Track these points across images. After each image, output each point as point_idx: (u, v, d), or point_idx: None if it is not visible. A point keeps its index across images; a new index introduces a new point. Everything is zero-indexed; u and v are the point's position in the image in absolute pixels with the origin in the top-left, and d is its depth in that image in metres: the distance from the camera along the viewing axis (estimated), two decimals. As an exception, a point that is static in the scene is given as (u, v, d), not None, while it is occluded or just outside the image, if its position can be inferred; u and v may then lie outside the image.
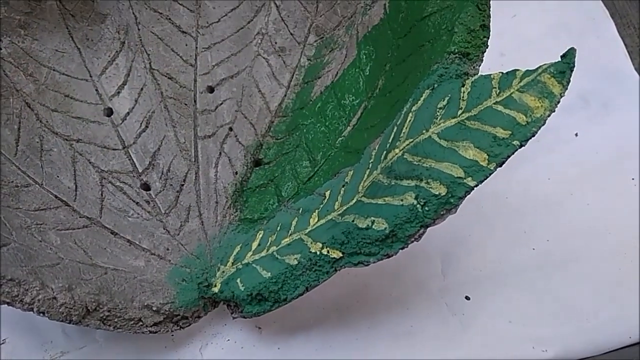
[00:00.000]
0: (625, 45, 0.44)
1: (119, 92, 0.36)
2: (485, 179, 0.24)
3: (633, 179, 0.39)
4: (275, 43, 0.38)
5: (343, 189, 0.31)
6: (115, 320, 0.28)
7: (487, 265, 0.35)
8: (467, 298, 0.34)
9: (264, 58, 0.38)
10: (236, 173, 0.35)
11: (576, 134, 0.40)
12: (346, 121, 0.34)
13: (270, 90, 0.37)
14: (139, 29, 0.37)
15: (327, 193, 0.32)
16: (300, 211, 0.32)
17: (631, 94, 0.42)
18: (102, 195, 0.33)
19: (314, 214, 0.31)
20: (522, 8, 0.45)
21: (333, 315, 0.34)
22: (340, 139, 0.34)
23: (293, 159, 0.35)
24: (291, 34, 0.38)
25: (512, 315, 0.33)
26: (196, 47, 0.38)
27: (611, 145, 0.40)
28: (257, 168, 0.35)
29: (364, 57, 0.34)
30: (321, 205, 0.31)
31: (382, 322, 0.33)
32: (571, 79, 0.44)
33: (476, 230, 0.36)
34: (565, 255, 0.36)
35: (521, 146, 0.24)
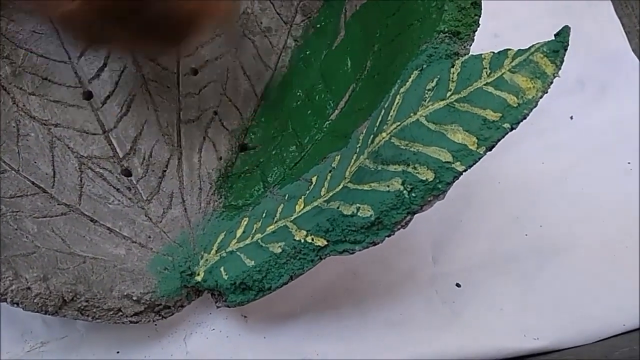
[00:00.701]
0: (623, 25, 0.43)
1: (98, 75, 0.35)
2: (475, 164, 0.23)
3: (629, 163, 0.38)
4: (261, 23, 0.37)
5: (330, 174, 0.30)
6: (94, 310, 0.27)
7: (479, 252, 0.34)
8: (458, 285, 0.33)
9: (249, 39, 0.36)
10: (221, 158, 0.34)
11: (571, 117, 0.39)
12: (334, 104, 0.33)
13: (256, 72, 0.36)
14: (119, 9, 0.36)
15: (314, 179, 0.31)
16: (286, 197, 0.31)
17: (629, 76, 0.41)
18: (81, 181, 0.32)
19: (300, 200, 0.30)
20: (517, -13, 0.44)
21: (321, 303, 0.33)
22: (327, 122, 0.33)
23: (279, 143, 0.34)
24: (277, 13, 0.37)
25: (504, 303, 0.33)
26: (179, 28, 0.36)
27: (607, 128, 0.39)
28: (242, 153, 0.34)
29: (352, 37, 0.33)
30: (307, 191, 0.30)
31: (371, 310, 0.33)
32: (566, 59, 0.43)
33: (467, 217, 0.36)
34: (559, 242, 0.35)
35: (512, 129, 0.23)
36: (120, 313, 0.28)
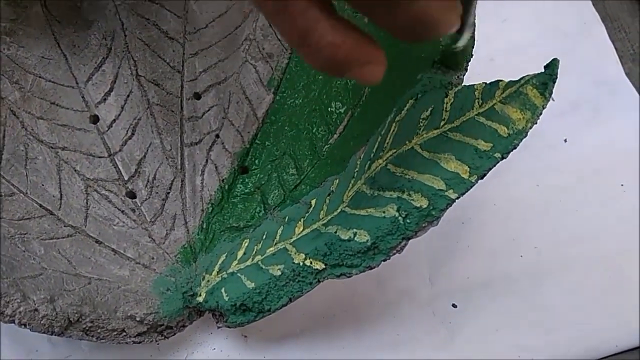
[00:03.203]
0: (617, 49, 0.44)
1: (105, 99, 0.36)
2: (467, 192, 0.24)
3: (622, 185, 0.38)
4: (263, 49, 0.38)
5: (328, 198, 0.31)
6: (99, 331, 0.28)
7: (475, 272, 0.35)
8: (454, 306, 0.34)
9: (251, 64, 0.37)
10: (223, 180, 0.35)
11: (565, 140, 0.40)
12: (333, 129, 0.34)
13: (257, 96, 0.37)
14: (125, 35, 0.37)
15: (313, 201, 0.32)
16: (286, 220, 0.32)
17: (622, 100, 0.42)
18: (87, 203, 0.33)
19: (300, 222, 0.30)
20: (512, 12, 0.44)
21: (320, 323, 0.34)
22: (326, 147, 0.34)
23: (279, 166, 0.35)
24: (279, 39, 0.38)
25: (500, 324, 0.33)
26: (183, 53, 0.37)
27: (601, 151, 0.39)
28: (243, 175, 0.35)
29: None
30: (307, 214, 0.31)
31: (368, 330, 0.33)
32: (560, 82, 0.44)
33: (464, 238, 0.36)
34: (554, 263, 0.36)
35: (503, 158, 0.24)
36: (124, 333, 0.28)
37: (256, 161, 0.35)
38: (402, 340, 0.33)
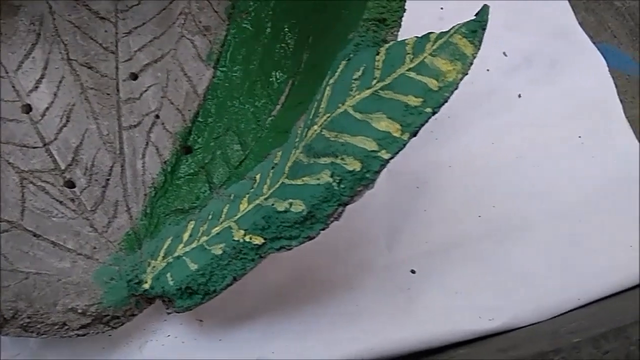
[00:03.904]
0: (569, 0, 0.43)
1: (37, 87, 0.34)
2: (400, 150, 0.23)
3: (580, 137, 0.38)
4: (200, 22, 0.36)
5: (272, 171, 0.29)
6: (38, 326, 0.27)
7: (433, 237, 0.34)
8: (413, 272, 0.33)
9: (188, 39, 0.36)
10: (165, 162, 0.33)
11: (519, 95, 0.39)
12: (275, 99, 0.33)
13: (197, 72, 0.35)
14: (54, 19, 0.35)
15: (258, 177, 0.30)
16: (231, 197, 0.31)
17: (576, 50, 0.41)
18: (23, 196, 0.31)
19: (244, 199, 0.29)
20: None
21: (277, 300, 0.33)
22: (270, 118, 0.33)
23: (223, 143, 0.33)
24: (215, 11, 0.36)
25: (459, 286, 0.33)
26: (116, 33, 0.36)
27: (556, 104, 0.39)
28: (187, 155, 0.34)
29: (288, 30, 0.33)
30: (251, 190, 0.30)
31: (326, 304, 0.32)
32: (513, 37, 0.43)
33: (420, 202, 0.35)
34: (512, 221, 0.35)
35: (434, 113, 0.22)
36: (66, 327, 0.27)
37: (199, 140, 0.34)
38: (361, 311, 0.32)
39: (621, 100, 0.39)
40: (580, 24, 0.42)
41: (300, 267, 0.33)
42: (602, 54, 0.40)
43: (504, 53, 0.40)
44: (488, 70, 0.39)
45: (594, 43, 0.41)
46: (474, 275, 0.33)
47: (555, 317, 0.31)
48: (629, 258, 0.33)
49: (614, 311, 0.29)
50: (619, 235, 0.34)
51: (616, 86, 0.39)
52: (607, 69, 0.40)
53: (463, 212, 0.35)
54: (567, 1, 0.42)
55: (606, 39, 0.43)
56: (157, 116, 0.34)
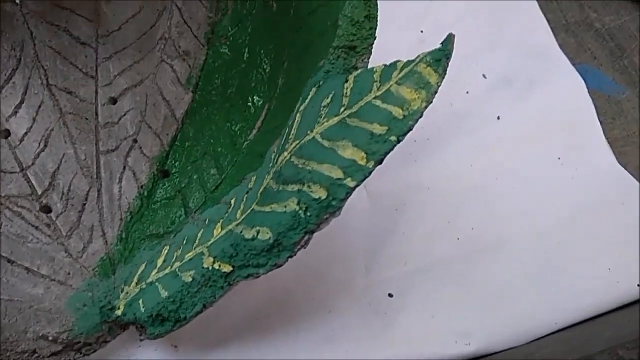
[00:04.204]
0: (549, 21, 0.43)
1: (16, 112, 0.34)
2: (365, 179, 0.23)
3: (559, 158, 0.38)
4: (179, 47, 0.36)
5: (246, 195, 0.29)
6: (7, 354, 0.27)
7: (411, 259, 0.34)
8: (390, 295, 0.33)
9: (167, 63, 0.36)
10: (141, 187, 0.33)
11: (498, 117, 0.39)
12: (252, 124, 0.33)
13: (175, 96, 0.36)
14: (35, 44, 0.36)
15: (232, 201, 0.30)
16: (206, 222, 0.31)
17: (555, 71, 0.41)
18: (-2, 222, 0.31)
19: (218, 224, 0.29)
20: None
21: (253, 325, 0.32)
22: (246, 142, 0.33)
23: (200, 167, 0.33)
24: (195, 36, 0.36)
25: (436, 309, 0.32)
26: (96, 58, 0.36)
27: (535, 125, 0.39)
28: (164, 179, 0.34)
29: (264, 55, 0.33)
30: (225, 215, 0.30)
31: (303, 328, 0.32)
32: (492, 58, 0.43)
33: (399, 224, 0.35)
34: (491, 243, 0.35)
35: (399, 141, 0.23)
36: (36, 354, 0.27)
37: (176, 164, 0.34)
38: (337, 336, 0.32)
39: (601, 121, 0.39)
40: (560, 45, 0.42)
41: (279, 289, 0.33)
42: (582, 75, 0.40)
43: (484, 75, 0.40)
44: (467, 92, 0.40)
45: (573, 65, 0.41)
46: (451, 297, 0.33)
47: (530, 342, 0.31)
48: (606, 282, 0.32)
49: (587, 337, 0.29)
50: (597, 258, 0.33)
51: (596, 107, 0.39)
52: (586, 90, 0.40)
53: (441, 234, 0.35)
54: (547, 23, 0.43)
55: (586, 60, 0.43)
56: (135, 140, 0.34)
